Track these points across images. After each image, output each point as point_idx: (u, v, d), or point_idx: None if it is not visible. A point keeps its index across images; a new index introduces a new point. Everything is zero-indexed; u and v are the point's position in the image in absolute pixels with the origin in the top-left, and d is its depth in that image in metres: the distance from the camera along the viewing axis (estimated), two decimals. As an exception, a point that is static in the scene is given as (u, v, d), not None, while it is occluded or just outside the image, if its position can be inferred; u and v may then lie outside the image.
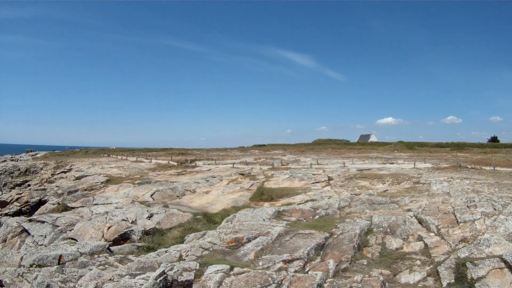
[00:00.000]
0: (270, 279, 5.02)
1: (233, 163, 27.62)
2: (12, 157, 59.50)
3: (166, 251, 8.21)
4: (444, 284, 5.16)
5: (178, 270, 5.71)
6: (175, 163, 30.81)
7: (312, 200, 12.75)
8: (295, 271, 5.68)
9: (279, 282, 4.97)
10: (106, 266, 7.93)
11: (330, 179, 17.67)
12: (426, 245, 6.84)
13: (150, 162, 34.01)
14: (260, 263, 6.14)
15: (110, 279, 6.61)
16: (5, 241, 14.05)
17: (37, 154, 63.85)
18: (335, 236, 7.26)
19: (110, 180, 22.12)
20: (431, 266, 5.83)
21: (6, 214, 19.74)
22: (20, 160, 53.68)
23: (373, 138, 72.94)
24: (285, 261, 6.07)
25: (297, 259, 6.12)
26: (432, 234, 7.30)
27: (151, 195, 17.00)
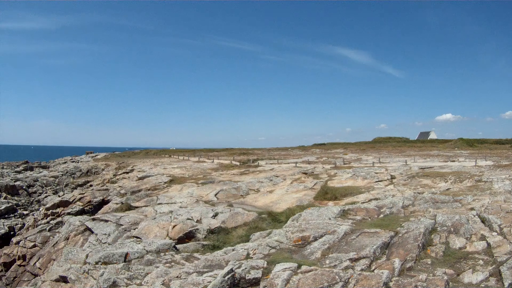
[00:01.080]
0: (337, 277, 7.65)
1: (296, 162, 40.07)
2: (72, 159, 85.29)
3: (233, 250, 11.97)
4: (506, 284, 7.37)
5: (246, 268, 8.77)
6: (238, 163, 45.45)
7: (376, 199, 17.92)
8: (361, 270, 8.32)
9: (346, 281, 7.51)
10: (173, 264, 11.87)
11: (392, 177, 25.35)
12: (488, 244, 9.67)
13: (213, 162, 50.69)
14: (327, 262, 9.09)
15: (177, 277, 10.07)
16: (67, 239, 20.91)
17: (97, 155, 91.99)
18: (400, 235, 10.49)
19: (173, 180, 32.26)
20: (494, 266, 8.31)
21: (68, 213, 29.00)
22: (81, 161, 76.20)
23: (432, 135, 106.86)
24: (351, 260, 8.90)
25: (363, 257, 8.94)
26: (494, 233, 10.31)
27: (215, 195, 24.42)
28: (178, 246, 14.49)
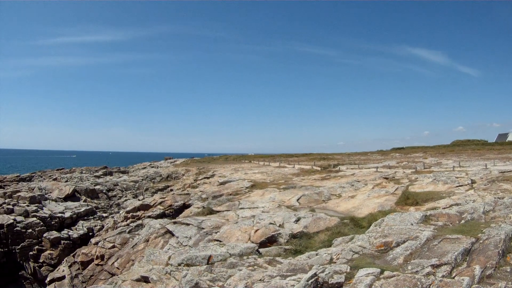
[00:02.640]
0: (419, 283, 8.24)
1: (376, 167, 43.09)
2: (151, 164, 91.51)
3: (316, 254, 12.70)
4: None
5: (329, 273, 9.49)
6: (319, 168, 48.65)
7: (457, 204, 18.85)
8: (443, 276, 8.81)
9: (427, 287, 8.11)
10: (256, 267, 12.55)
11: (473, 182, 25.92)
12: None
13: (293, 167, 54.34)
14: (409, 268, 9.66)
15: (260, 280, 10.72)
16: (147, 241, 22.47)
17: (176, 161, 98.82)
18: (481, 241, 10.88)
19: (254, 185, 34.30)
20: None
21: (149, 217, 31.12)
22: (160, 167, 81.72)
23: (511, 137, 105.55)
24: (433, 266, 9.40)
25: (445, 264, 9.44)
26: None
27: (297, 200, 25.81)
28: (261, 250, 15.33)
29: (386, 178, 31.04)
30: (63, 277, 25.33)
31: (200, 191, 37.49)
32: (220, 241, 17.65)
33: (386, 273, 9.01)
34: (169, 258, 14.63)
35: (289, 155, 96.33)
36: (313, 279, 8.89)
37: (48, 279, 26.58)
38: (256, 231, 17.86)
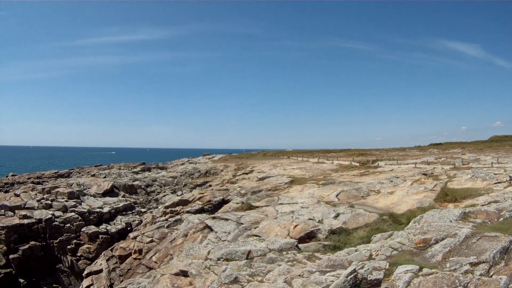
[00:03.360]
0: (457, 281, 8.44)
1: (415, 163, 44.48)
2: (189, 160, 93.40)
3: (356, 250, 12.94)
4: None
5: (368, 269, 9.69)
6: (357, 164, 50.56)
7: (495, 201, 18.90)
8: (480, 275, 8.91)
9: (465, 285, 8.27)
10: (295, 262, 12.82)
11: (511, 179, 26.09)
12: None
13: (332, 163, 56.38)
14: (448, 265, 9.87)
15: (299, 275, 10.98)
16: (186, 236, 23.10)
17: (214, 157, 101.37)
18: None
19: (293, 181, 35.33)
20: None
21: (187, 212, 31.78)
22: (199, 162, 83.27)
23: None
24: (471, 264, 9.53)
25: (483, 262, 9.50)
26: None
27: (336, 195, 26.45)
28: (300, 245, 15.59)
29: (425, 174, 31.47)
30: (101, 271, 25.97)
31: (239, 187, 38.29)
32: (259, 236, 18.01)
33: (425, 270, 9.22)
34: (209, 252, 14.96)
35: (327, 151, 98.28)
36: (352, 275, 9.08)
37: (85, 272, 27.26)
38: (295, 226, 18.11)
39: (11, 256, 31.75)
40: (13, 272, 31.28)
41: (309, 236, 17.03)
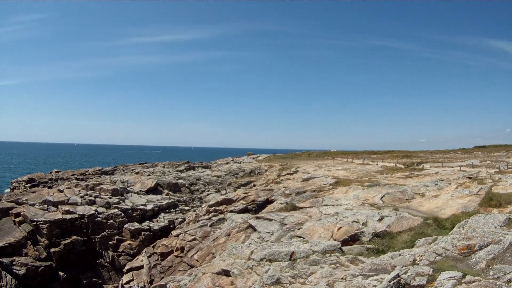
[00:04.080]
0: None
1: (460, 166, 44.12)
2: (233, 159, 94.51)
3: (399, 255, 12.80)
4: None
5: (411, 274, 9.70)
6: (402, 166, 50.75)
7: None
8: None
9: None
10: (338, 265, 12.83)
11: None
12: None
13: (377, 164, 56.43)
14: (491, 273, 9.71)
15: (342, 278, 11.00)
16: (228, 235, 23.29)
17: (259, 156, 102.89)
18: None
19: (338, 182, 35.37)
20: None
21: (231, 211, 32.18)
22: (243, 162, 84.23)
23: None
24: None
25: None
26: None
27: (381, 198, 26.19)
28: (344, 248, 15.57)
29: (470, 178, 31.20)
30: (141, 267, 26.72)
31: (284, 187, 38.59)
32: (303, 238, 18.06)
33: (468, 277, 9.20)
34: (252, 252, 15.10)
35: (372, 152, 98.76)
36: (395, 280, 9.21)
37: (126, 268, 28.20)
38: (339, 228, 18.15)
39: (52, 250, 32.98)
40: (54, 265, 32.51)
41: (353, 239, 17.07)
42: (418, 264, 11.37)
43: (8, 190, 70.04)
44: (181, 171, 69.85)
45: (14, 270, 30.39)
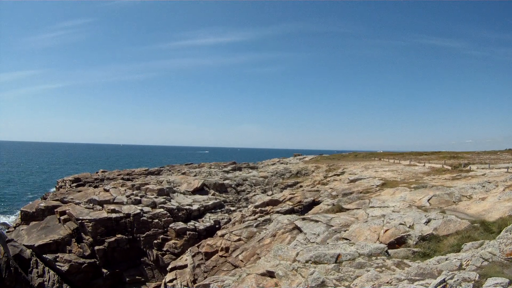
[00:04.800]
0: None
1: (507, 167, 43.75)
2: (280, 160, 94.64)
3: (446, 259, 12.64)
4: None
5: (457, 280, 9.55)
6: (449, 167, 50.61)
7: None
8: None
9: None
10: (383, 268, 12.73)
11: None
12: None
13: (424, 166, 56.26)
14: None
15: (387, 282, 10.91)
16: (274, 236, 23.36)
17: (305, 157, 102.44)
18: None
19: (385, 184, 35.49)
20: None
21: (277, 212, 32.32)
22: (290, 163, 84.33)
23: None
24: None
25: None
26: None
27: (428, 200, 26.01)
28: (390, 251, 15.44)
29: None
30: (185, 266, 27.17)
31: (330, 188, 38.70)
32: (349, 240, 18.08)
33: None
34: (297, 254, 15.09)
35: (419, 153, 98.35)
36: (441, 286, 9.13)
37: (170, 266, 28.80)
38: (386, 231, 18.06)
39: (96, 247, 33.96)
40: (97, 262, 33.44)
41: (399, 242, 16.96)
42: (464, 269, 11.24)
43: (54, 189, 72.54)
44: (227, 172, 70.68)
45: (58, 266, 31.48)
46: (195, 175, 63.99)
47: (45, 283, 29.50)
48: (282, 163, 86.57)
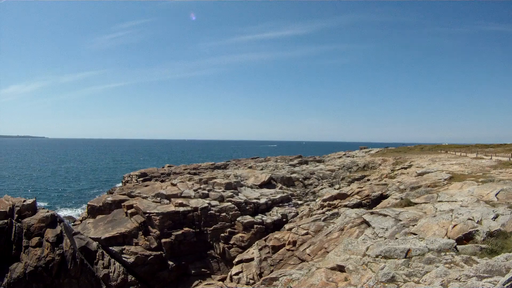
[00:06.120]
0: None
1: None
2: (346, 153, 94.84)
3: None
4: None
5: None
6: None
7: None
8: None
9: None
10: (452, 265, 12.37)
11: None
12: None
13: (491, 159, 55.53)
14: None
15: (456, 279, 10.67)
16: (342, 230, 23.32)
17: (371, 150, 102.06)
18: None
19: (453, 177, 34.71)
20: None
21: (345, 206, 32.16)
22: (356, 156, 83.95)
23: None
24: None
25: None
26: None
27: (496, 195, 25.17)
28: (458, 247, 15.04)
29: None
30: (252, 259, 27.41)
31: (398, 182, 38.45)
32: (416, 235, 17.78)
33: None
34: (367, 248, 14.93)
35: (485, 146, 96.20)
36: (509, 283, 8.77)
37: (236, 259, 29.15)
38: (454, 226, 17.48)
39: (163, 240, 34.80)
40: (163, 254, 34.24)
41: (467, 238, 16.36)
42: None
43: (120, 184, 75.18)
44: (294, 165, 71.13)
45: (124, 258, 32.49)
46: (261, 169, 64.66)
47: (110, 274, 30.65)
48: (348, 156, 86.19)
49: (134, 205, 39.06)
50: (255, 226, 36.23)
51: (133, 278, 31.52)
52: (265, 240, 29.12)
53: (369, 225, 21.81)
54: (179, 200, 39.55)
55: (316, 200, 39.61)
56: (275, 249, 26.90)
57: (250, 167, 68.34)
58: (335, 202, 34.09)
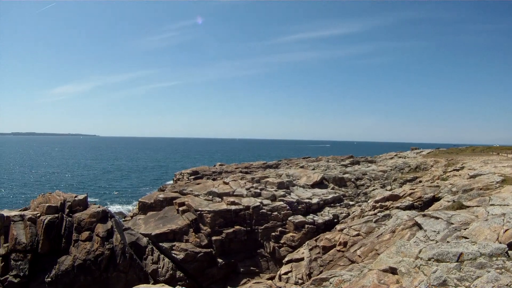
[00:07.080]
0: None
1: None
2: (397, 154, 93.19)
3: None
4: None
5: None
6: None
7: None
8: None
9: None
10: (503, 270, 12.17)
11: None
12: None
13: None
14: None
15: (507, 285, 10.53)
16: (393, 232, 23.17)
17: (423, 151, 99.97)
18: None
19: (505, 180, 33.87)
20: None
21: (397, 207, 31.93)
22: (408, 157, 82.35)
23: None
24: None
25: None
26: None
27: None
28: (510, 252, 14.66)
29: None
30: (301, 259, 27.60)
31: (450, 184, 37.65)
32: (468, 238, 17.53)
33: None
34: (420, 251, 14.84)
35: None
36: None
37: (286, 259, 29.41)
38: (506, 231, 17.03)
39: (213, 238, 35.44)
40: (213, 252, 34.90)
41: None
42: None
43: (171, 181, 76.50)
44: (345, 166, 70.67)
45: (173, 254, 33.33)
46: (313, 169, 64.57)
47: (158, 269, 31.56)
48: (400, 157, 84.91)
49: (186, 203, 39.87)
50: (306, 226, 36.30)
51: (181, 274, 32.27)
52: (315, 240, 29.20)
53: (420, 228, 21.65)
54: (231, 199, 40.14)
55: (368, 201, 39.44)
56: (325, 249, 26.98)
57: (302, 167, 68.35)
58: (387, 203, 33.93)
